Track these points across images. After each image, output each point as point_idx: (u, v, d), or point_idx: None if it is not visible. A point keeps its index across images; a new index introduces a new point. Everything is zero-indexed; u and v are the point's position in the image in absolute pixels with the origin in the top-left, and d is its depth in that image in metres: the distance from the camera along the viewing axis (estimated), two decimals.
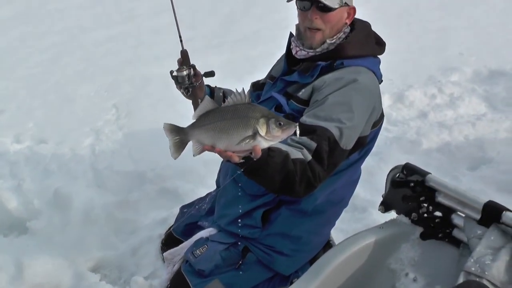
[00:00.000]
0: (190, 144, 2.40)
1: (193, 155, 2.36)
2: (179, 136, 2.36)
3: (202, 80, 3.24)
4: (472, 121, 5.39)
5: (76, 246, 3.82)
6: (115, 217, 4.11)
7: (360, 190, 4.14)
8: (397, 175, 2.92)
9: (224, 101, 2.73)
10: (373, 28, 3.17)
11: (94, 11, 8.19)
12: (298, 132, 2.32)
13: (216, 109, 2.29)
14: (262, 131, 2.21)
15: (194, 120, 2.34)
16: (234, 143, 2.23)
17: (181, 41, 3.23)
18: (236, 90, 2.33)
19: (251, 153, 2.30)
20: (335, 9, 2.88)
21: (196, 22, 7.29)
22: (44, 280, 3.52)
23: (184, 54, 3.17)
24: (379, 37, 3.14)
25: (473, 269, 2.43)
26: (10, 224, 4.20)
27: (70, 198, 4.17)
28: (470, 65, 6.41)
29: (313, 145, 2.63)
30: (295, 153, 2.57)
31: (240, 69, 6.01)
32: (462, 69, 6.31)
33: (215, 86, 3.45)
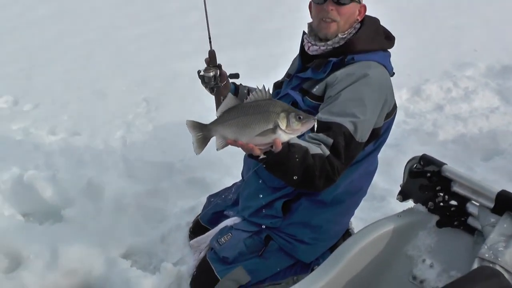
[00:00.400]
0: (213, 139, 2.42)
1: (217, 149, 2.39)
2: (202, 133, 2.40)
3: (228, 80, 3.28)
4: (486, 114, 5.36)
5: (107, 234, 3.86)
6: (145, 206, 4.15)
7: (378, 180, 4.13)
8: (415, 165, 2.91)
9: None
10: (391, 26, 3.14)
11: (126, 10, 8.22)
12: (316, 125, 2.34)
13: (238, 105, 2.31)
14: (283, 124, 2.23)
15: (217, 117, 2.36)
16: (264, 134, 2.24)
17: (210, 41, 3.25)
18: (257, 87, 2.35)
19: (271, 147, 2.31)
20: (349, 3, 2.88)
21: (223, 21, 7.31)
22: (77, 266, 3.56)
23: (212, 54, 3.20)
24: (388, 31, 3.12)
25: (486, 255, 2.42)
26: (45, 212, 4.26)
27: (102, 187, 4.22)
28: (483, 60, 6.37)
29: (330, 141, 2.64)
30: (314, 149, 2.58)
31: (264, 65, 6.01)
32: (476, 64, 6.27)
33: (240, 84, 3.47)
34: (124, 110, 5.60)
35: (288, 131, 2.25)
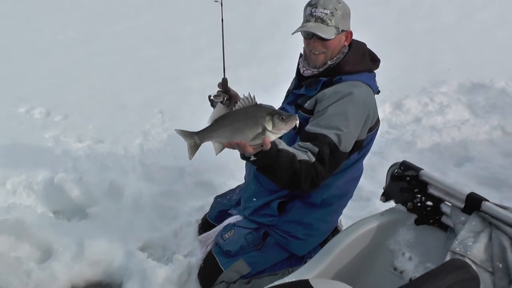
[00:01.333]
0: (209, 145, 2.47)
1: (215, 154, 2.43)
2: (193, 140, 2.43)
3: (236, 101, 3.29)
4: (458, 126, 5.38)
5: (127, 229, 3.88)
6: (159, 205, 4.15)
7: (364, 183, 4.15)
8: (396, 170, 2.93)
9: None
10: (376, 49, 3.13)
11: (144, 34, 8.25)
12: (297, 124, 2.36)
13: (229, 113, 2.36)
14: (269, 126, 2.27)
15: (208, 124, 2.39)
16: (248, 139, 2.29)
17: (224, 69, 3.35)
18: (244, 95, 2.38)
19: (262, 146, 2.35)
20: (334, 37, 2.87)
21: (229, 43, 7.29)
22: (101, 257, 3.57)
23: (224, 82, 3.29)
24: (374, 54, 3.12)
25: (457, 249, 2.46)
26: (72, 210, 4.26)
27: (123, 188, 4.23)
28: (456, 78, 6.41)
29: (316, 149, 2.67)
30: (301, 155, 2.62)
31: (265, 82, 6.03)
32: (449, 82, 6.32)
33: None
34: (142, 121, 5.61)
35: (274, 131, 2.29)
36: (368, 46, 3.12)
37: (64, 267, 3.45)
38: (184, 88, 6.31)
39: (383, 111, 5.58)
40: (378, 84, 3.08)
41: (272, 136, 2.30)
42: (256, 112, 2.30)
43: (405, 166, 2.88)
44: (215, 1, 3.36)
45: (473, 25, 8.52)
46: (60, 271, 3.41)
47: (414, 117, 5.65)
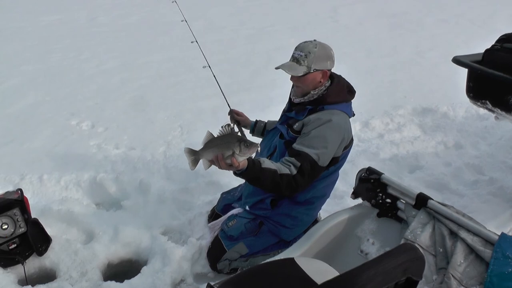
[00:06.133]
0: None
1: (205, 169, 2.57)
2: (194, 156, 2.55)
3: (247, 118, 3.52)
4: (411, 141, 5.39)
5: (152, 218, 3.88)
6: (178, 199, 4.15)
7: (339, 184, 4.15)
8: (363, 174, 2.97)
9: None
10: (350, 79, 3.16)
11: (167, 65, 8.27)
12: (259, 149, 2.63)
13: (212, 138, 2.47)
14: (237, 150, 2.37)
15: (202, 146, 2.51)
16: (224, 158, 2.40)
17: (228, 104, 3.57)
18: (222, 126, 2.48)
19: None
20: (304, 75, 2.88)
21: (234, 73, 7.34)
22: (131, 240, 3.58)
23: (231, 113, 3.47)
24: (351, 86, 3.13)
25: (409, 237, 2.51)
26: (110, 203, 4.27)
27: (149, 186, 4.23)
28: (410, 104, 6.43)
29: (298, 164, 2.74)
30: (283, 170, 2.71)
31: (263, 104, 6.02)
32: (405, 107, 6.33)
33: (258, 120, 3.55)
34: (165, 133, 5.61)
35: (241, 154, 2.39)
36: (344, 76, 3.14)
37: (103, 247, 3.46)
38: (199, 108, 6.31)
39: (354, 128, 5.53)
40: (352, 107, 3.11)
41: (239, 158, 2.41)
42: (230, 138, 2.40)
43: (370, 171, 2.93)
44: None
45: (424, 62, 8.56)
46: (100, 250, 3.43)
47: (378, 133, 5.66)
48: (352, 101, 3.11)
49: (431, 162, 4.98)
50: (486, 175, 4.70)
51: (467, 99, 4.07)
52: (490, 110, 3.90)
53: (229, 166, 2.45)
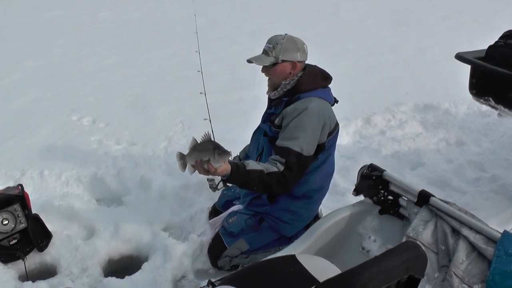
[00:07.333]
0: None
1: (190, 174, 2.66)
2: (182, 160, 2.65)
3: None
4: (413, 138, 5.37)
5: (153, 214, 3.87)
6: (179, 195, 4.13)
7: (340, 181, 4.15)
8: (365, 171, 2.94)
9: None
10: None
11: (169, 62, 8.26)
12: (232, 156, 2.58)
13: (195, 145, 2.55)
14: (212, 157, 2.43)
15: (188, 151, 2.60)
16: (202, 164, 2.47)
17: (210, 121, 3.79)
18: (202, 135, 2.53)
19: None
20: (272, 65, 2.92)
21: (236, 71, 7.35)
22: (132, 236, 3.57)
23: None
24: (326, 73, 3.10)
25: (411, 234, 2.49)
26: (111, 198, 4.26)
27: (151, 181, 4.21)
28: (412, 100, 6.41)
29: (283, 160, 2.74)
30: (270, 168, 2.71)
31: (263, 101, 5.99)
32: (407, 103, 6.30)
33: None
34: (166, 129, 5.61)
35: (215, 161, 2.44)
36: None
37: (103, 243, 3.45)
38: (199, 104, 6.30)
39: (356, 125, 5.56)
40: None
41: (215, 164, 2.46)
42: (207, 145, 2.47)
43: (372, 168, 2.90)
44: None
45: (426, 59, 8.54)
46: (100, 246, 3.42)
47: (380, 130, 5.64)
48: (330, 88, 3.10)
49: (433, 159, 4.96)
50: (488, 172, 4.68)
51: (469, 96, 4.05)
52: (493, 107, 3.89)
53: (207, 172, 2.50)
